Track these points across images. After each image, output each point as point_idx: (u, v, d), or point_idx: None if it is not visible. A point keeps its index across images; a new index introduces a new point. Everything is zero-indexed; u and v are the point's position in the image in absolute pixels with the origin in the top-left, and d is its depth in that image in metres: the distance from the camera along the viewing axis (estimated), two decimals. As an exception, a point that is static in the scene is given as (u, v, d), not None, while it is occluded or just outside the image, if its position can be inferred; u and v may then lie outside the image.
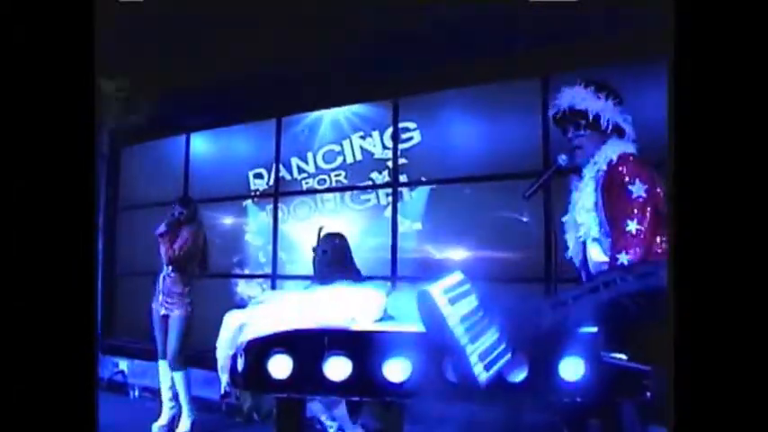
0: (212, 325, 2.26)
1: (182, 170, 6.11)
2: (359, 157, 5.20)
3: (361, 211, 5.20)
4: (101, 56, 1.48)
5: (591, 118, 2.19)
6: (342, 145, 5.27)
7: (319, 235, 3.18)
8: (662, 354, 1.52)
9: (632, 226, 2.02)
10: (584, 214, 2.20)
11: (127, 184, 6.64)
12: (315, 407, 3.64)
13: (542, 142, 4.08)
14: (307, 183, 5.43)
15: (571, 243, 2.31)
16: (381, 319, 2.10)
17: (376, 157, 5.10)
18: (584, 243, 2.24)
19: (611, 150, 2.17)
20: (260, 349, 1.93)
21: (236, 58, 4.49)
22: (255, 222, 5.81)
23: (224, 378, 2.12)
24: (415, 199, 4.93)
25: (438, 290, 1.72)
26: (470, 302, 1.74)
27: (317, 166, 5.41)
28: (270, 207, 5.63)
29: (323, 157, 5.38)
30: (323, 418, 3.78)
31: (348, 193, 5.26)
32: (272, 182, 5.61)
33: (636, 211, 2.03)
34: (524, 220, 4.31)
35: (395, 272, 4.83)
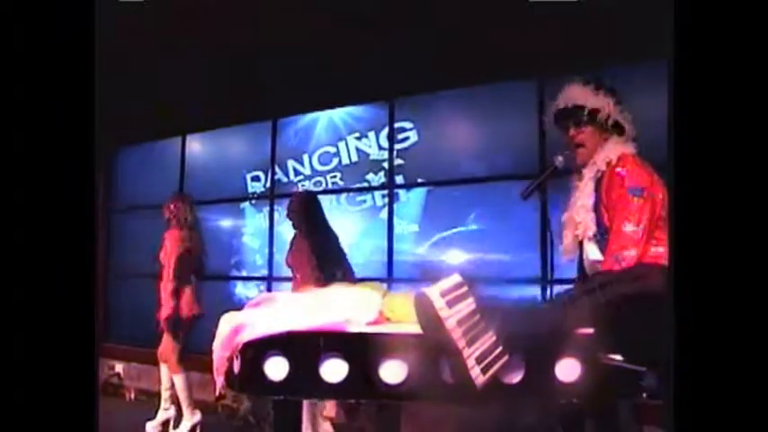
0: (209, 327, 2.24)
1: (177, 172, 6.11)
2: (354, 158, 5.19)
3: (357, 213, 5.19)
4: (101, 56, 1.47)
5: (590, 111, 2.21)
6: (337, 146, 5.27)
7: None
8: (658, 355, 1.51)
9: (630, 227, 2.02)
10: (582, 213, 2.21)
11: (122, 187, 6.62)
12: None
13: (539, 143, 4.08)
14: (303, 185, 5.42)
15: (567, 240, 2.31)
16: (377, 321, 2.09)
17: (372, 158, 5.10)
18: (581, 242, 2.25)
19: (611, 150, 2.18)
20: (256, 351, 1.92)
21: (234, 57, 4.48)
22: (253, 224, 5.80)
23: (219, 380, 2.11)
24: (412, 200, 4.93)
25: (436, 292, 1.71)
26: (468, 305, 1.73)
27: (312, 168, 5.40)
28: (267, 209, 5.62)
29: (318, 158, 5.37)
30: None
31: (344, 195, 5.25)
32: (269, 184, 5.61)
33: (634, 212, 2.03)
34: (521, 221, 4.30)
35: (391, 274, 4.82)
